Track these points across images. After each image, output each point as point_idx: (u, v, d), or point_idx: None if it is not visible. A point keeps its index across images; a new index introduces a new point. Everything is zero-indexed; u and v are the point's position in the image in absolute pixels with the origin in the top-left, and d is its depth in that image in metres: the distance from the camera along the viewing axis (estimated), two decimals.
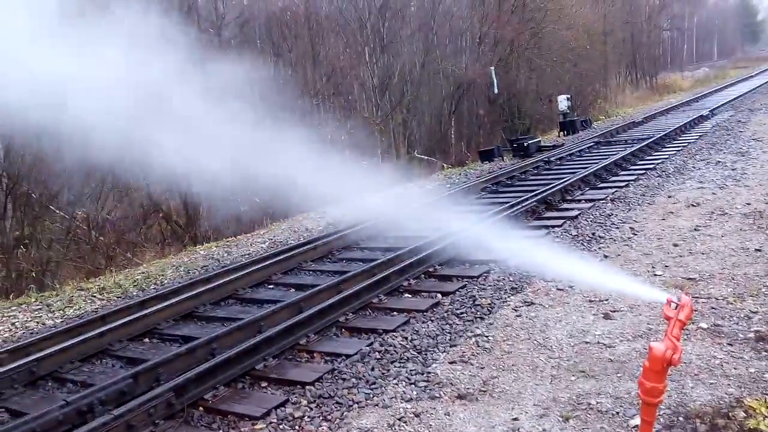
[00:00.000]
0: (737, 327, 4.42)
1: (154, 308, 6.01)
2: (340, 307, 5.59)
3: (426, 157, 21.25)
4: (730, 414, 3.29)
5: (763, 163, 10.47)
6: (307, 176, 6.72)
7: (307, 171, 6.61)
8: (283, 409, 4.04)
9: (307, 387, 4.32)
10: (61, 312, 7.06)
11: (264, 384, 4.52)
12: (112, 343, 5.52)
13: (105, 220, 13.95)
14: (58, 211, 13.02)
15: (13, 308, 7.42)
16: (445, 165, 18.56)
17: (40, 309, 7.25)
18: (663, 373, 2.20)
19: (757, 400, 3.38)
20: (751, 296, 4.96)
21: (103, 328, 5.59)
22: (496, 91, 21.24)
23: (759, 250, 6.06)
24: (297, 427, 3.82)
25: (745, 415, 3.27)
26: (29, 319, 6.91)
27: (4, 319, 6.98)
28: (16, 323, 6.80)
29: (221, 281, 6.73)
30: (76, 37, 5.28)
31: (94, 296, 7.57)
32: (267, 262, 7.34)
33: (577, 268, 5.35)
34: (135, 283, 7.94)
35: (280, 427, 3.86)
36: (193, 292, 6.41)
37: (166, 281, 7.88)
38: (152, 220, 15.27)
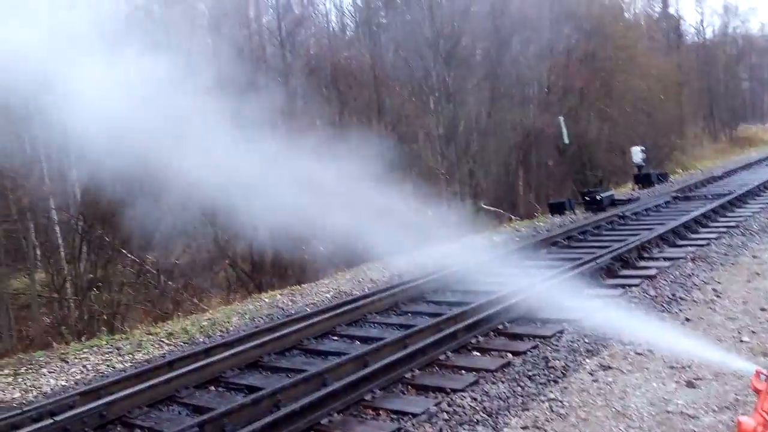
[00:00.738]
0: None
1: (220, 356, 6.10)
2: (406, 363, 5.54)
3: (493, 209, 21.13)
4: None
5: None
6: (371, 225, 6.77)
7: (372, 220, 6.64)
8: None
9: None
10: (130, 356, 7.23)
11: None
12: (179, 389, 5.59)
13: (173, 265, 14.28)
14: (129, 255, 13.47)
15: (85, 350, 7.61)
16: (512, 217, 18.42)
17: (110, 352, 7.43)
18: None
19: None
20: None
21: (171, 375, 5.69)
22: (566, 141, 20.99)
23: None
24: None
25: None
26: (100, 362, 7.08)
27: (76, 360, 7.19)
28: (88, 365, 6.98)
29: (286, 331, 6.78)
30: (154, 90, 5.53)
31: (162, 341, 7.71)
32: (332, 313, 7.36)
33: (656, 332, 5.21)
34: (201, 330, 8.05)
35: None
36: (259, 341, 6.48)
37: (231, 328, 7.99)
38: (219, 266, 15.57)
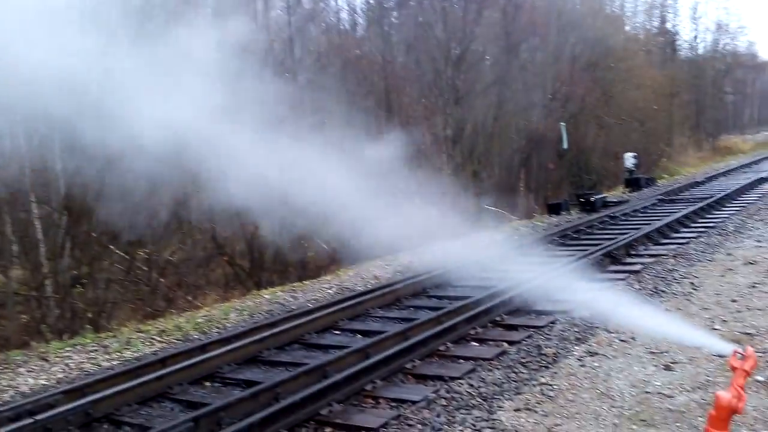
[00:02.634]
0: None
1: (217, 352, 5.61)
2: (406, 354, 5.40)
3: (495, 209, 21.12)
4: None
5: None
6: (376, 223, 6.59)
7: (376, 218, 6.33)
8: None
9: None
10: (118, 354, 6.51)
11: (329, 429, 4.34)
12: (171, 386, 5.09)
13: (167, 261, 12.85)
14: (117, 251, 11.93)
15: (68, 349, 6.78)
16: (513, 217, 18.45)
17: (96, 350, 6.67)
18: (728, 420, 2.23)
19: None
20: None
21: (163, 371, 5.17)
22: (565, 146, 20.85)
23: None
24: None
25: None
26: (84, 361, 6.33)
27: (58, 359, 6.40)
28: (71, 364, 6.24)
29: (286, 326, 6.36)
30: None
31: (153, 339, 7.00)
32: (334, 308, 7.00)
33: (645, 320, 5.29)
34: (196, 327, 7.35)
35: None
36: (258, 337, 6.02)
37: (229, 325, 7.35)
38: (215, 263, 14.17)
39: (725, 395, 2.21)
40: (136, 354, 6.50)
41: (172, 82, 5.31)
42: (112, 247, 11.76)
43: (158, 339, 7.00)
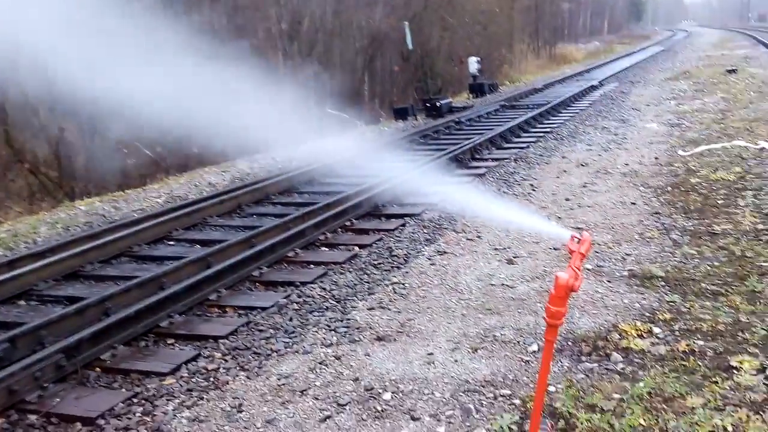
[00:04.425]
0: (615, 267, 5.10)
1: (28, 268, 5.30)
2: (252, 262, 5.41)
3: (339, 114, 21.19)
4: (608, 337, 3.89)
5: (639, 129, 11.65)
6: (207, 127, 6.26)
7: (207, 122, 5.87)
8: (194, 363, 3.94)
9: (221, 341, 4.21)
10: None
11: (171, 341, 4.34)
12: None
13: None
14: None
15: None
16: (358, 122, 18.68)
17: None
18: (565, 298, 2.50)
19: (629, 324, 4.01)
20: (626, 242, 5.70)
21: None
22: (410, 46, 21.12)
23: (633, 204, 6.90)
24: (212, 379, 3.75)
25: (619, 336, 3.88)
26: None
27: None
28: None
29: (111, 237, 6.11)
30: None
31: None
32: (165, 217, 6.81)
33: (493, 216, 5.71)
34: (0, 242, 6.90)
35: (193, 380, 3.76)
36: (77, 250, 5.75)
37: (39, 239, 6.98)
38: (15, 172, 13.02)
39: (563, 275, 2.45)
40: None
41: None
42: None
43: None
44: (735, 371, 3.37)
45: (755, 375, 3.31)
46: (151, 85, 5.59)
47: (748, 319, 3.97)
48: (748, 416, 2.96)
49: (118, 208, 8.35)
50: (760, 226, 5.77)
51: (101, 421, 3.42)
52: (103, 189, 11.64)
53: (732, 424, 2.91)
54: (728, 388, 3.23)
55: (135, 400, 3.61)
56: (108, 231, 6.47)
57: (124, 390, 3.74)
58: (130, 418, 3.44)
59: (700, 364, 3.49)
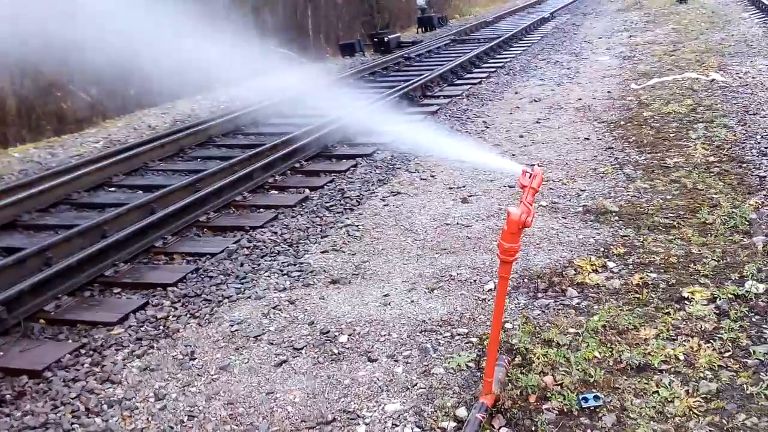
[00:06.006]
0: (569, 203, 5.20)
1: None
2: (198, 207, 5.36)
3: (282, 50, 20.55)
4: (563, 273, 3.98)
5: (592, 63, 11.78)
6: (143, 68, 5.92)
7: (143, 62, 5.89)
8: (143, 311, 3.91)
9: (169, 288, 4.18)
10: None
11: (117, 290, 4.31)
12: None
13: None
14: None
15: None
16: (303, 60, 18.17)
17: None
18: (518, 234, 2.51)
19: (583, 260, 4.11)
20: (580, 178, 5.80)
21: None
22: None
23: (587, 139, 7.01)
24: (162, 327, 3.73)
25: (574, 272, 3.98)
26: None
27: None
28: None
29: (47, 185, 5.97)
30: None
31: None
32: (104, 162, 6.67)
33: (449, 149, 5.69)
34: None
35: (142, 329, 3.73)
36: (12, 199, 5.61)
37: None
38: None
39: (515, 211, 2.45)
40: None
41: None
42: None
43: None
44: (687, 302, 3.52)
45: (706, 305, 3.46)
46: (81, 24, 5.29)
47: (699, 250, 4.13)
48: (699, 345, 3.11)
49: (55, 154, 8.16)
50: (711, 159, 5.96)
51: (48, 374, 3.36)
52: (39, 135, 11.24)
53: (684, 353, 3.05)
54: (680, 318, 3.37)
55: (83, 351, 3.56)
56: (45, 178, 6.30)
57: (70, 341, 3.68)
58: (78, 369, 3.39)
59: (653, 296, 3.62)
